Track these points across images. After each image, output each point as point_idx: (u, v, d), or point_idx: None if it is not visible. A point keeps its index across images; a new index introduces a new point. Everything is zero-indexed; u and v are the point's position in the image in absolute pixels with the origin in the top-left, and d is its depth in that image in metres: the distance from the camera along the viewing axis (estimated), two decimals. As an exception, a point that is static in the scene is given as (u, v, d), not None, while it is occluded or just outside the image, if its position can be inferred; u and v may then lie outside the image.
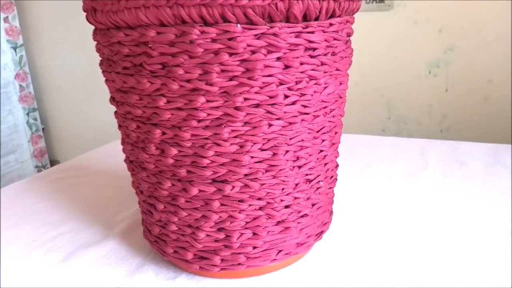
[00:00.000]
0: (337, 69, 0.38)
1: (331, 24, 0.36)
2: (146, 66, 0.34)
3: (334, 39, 0.37)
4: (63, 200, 0.63)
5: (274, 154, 0.36)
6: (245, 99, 0.34)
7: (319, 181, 0.41)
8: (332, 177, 0.44)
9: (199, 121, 0.34)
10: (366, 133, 1.16)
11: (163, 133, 0.36)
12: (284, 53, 0.34)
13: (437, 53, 1.17)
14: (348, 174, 0.66)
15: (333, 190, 0.46)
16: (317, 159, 0.40)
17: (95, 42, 0.40)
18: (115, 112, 0.42)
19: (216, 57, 0.32)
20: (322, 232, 0.45)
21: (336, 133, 0.42)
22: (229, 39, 0.32)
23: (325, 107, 0.39)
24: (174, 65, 0.33)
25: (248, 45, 0.32)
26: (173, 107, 0.34)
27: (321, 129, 0.39)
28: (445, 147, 0.78)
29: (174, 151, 0.36)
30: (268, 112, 0.35)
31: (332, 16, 0.36)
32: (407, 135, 1.25)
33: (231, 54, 0.32)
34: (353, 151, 0.78)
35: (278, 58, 0.34)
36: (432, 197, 0.58)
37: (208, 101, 0.34)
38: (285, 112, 0.35)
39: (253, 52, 0.33)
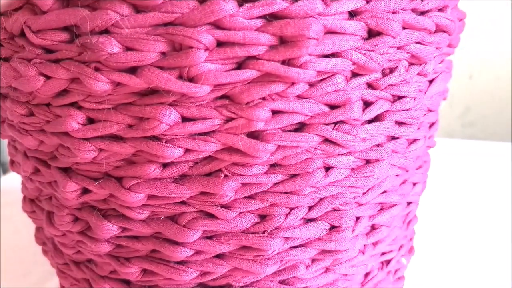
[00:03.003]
0: (449, 44, 0.19)
1: None
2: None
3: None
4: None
5: (333, 228, 0.17)
6: (274, 112, 0.14)
7: (399, 259, 0.22)
8: (410, 239, 0.25)
9: (163, 165, 0.15)
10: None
11: (85, 191, 0.16)
12: (367, 1, 0.14)
13: (459, 33, 0.99)
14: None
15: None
16: (402, 219, 0.21)
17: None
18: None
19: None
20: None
21: (425, 162, 0.23)
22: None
23: (423, 121, 0.19)
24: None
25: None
26: (101, 133, 0.14)
27: (414, 163, 0.20)
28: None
29: (110, 227, 0.16)
30: (327, 140, 0.15)
31: None
32: (423, 131, 1.07)
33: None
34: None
35: (353, 14, 0.14)
36: None
37: (184, 119, 0.14)
38: (363, 138, 0.15)
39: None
